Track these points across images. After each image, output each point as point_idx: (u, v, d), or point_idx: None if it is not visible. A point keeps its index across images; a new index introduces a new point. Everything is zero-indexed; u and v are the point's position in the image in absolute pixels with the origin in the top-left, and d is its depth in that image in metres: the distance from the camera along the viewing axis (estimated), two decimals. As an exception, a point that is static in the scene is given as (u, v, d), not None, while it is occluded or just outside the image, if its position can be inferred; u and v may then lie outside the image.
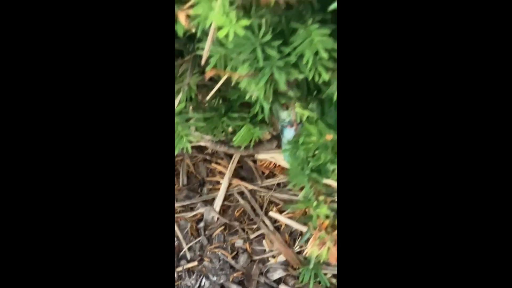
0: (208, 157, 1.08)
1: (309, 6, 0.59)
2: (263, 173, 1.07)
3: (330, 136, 0.61)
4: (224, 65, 0.60)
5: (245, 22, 0.47)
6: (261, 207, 1.02)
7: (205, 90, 0.73)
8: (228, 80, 0.65)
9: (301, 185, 0.61)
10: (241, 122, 0.75)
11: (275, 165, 1.05)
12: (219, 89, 0.75)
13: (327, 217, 0.59)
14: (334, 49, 0.58)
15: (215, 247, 0.99)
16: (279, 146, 0.98)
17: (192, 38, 0.64)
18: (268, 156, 1.05)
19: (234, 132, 0.78)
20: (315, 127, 0.62)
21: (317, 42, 0.58)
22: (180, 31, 0.56)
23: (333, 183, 0.63)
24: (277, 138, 0.95)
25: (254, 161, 1.07)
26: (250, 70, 0.58)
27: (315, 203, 0.59)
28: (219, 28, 0.48)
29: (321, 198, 0.61)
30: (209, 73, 0.55)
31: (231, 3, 0.49)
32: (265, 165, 1.07)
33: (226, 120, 0.72)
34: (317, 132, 0.62)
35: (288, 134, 0.77)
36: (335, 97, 0.65)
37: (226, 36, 0.47)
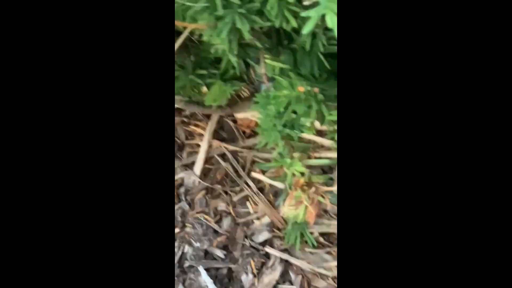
0: (186, 120, 1.04)
1: None
2: (244, 132, 1.02)
3: (302, 88, 0.57)
4: (182, 16, 0.55)
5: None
6: (244, 168, 0.98)
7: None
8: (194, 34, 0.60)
9: (274, 143, 0.57)
10: (211, 79, 0.70)
11: (256, 123, 1.01)
12: (188, 45, 0.70)
13: (302, 174, 0.55)
14: (301, -8, 0.53)
15: (198, 212, 0.95)
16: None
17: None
18: (249, 115, 1.00)
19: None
20: (286, 79, 0.58)
21: (281, -16, 0.53)
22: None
23: (308, 137, 0.59)
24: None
25: (234, 121, 1.03)
26: (210, 20, 0.53)
27: (289, 161, 0.55)
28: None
29: (296, 155, 0.56)
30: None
31: None
32: (246, 124, 1.02)
33: (194, 78, 0.68)
34: (288, 85, 0.57)
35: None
36: (307, 46, 0.61)
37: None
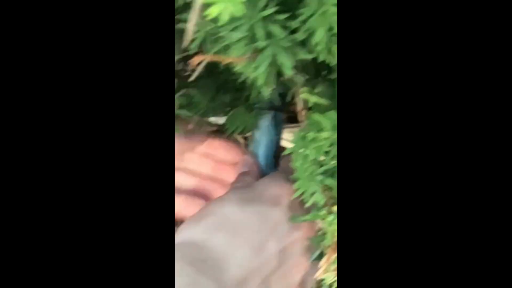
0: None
1: (321, -34, 0.45)
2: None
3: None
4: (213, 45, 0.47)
5: (244, -4, 0.34)
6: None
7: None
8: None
9: (311, 192, 0.49)
10: (233, 104, 0.62)
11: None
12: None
13: (344, 234, 0.47)
14: (355, 23, 0.45)
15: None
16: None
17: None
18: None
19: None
20: (328, 119, 0.50)
21: (331, 14, 0.45)
22: None
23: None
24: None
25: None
26: (247, 52, 0.45)
27: (329, 217, 0.48)
28: (208, 4, 0.35)
29: (335, 208, 0.49)
30: (197, 59, 0.43)
31: (223, -32, 0.36)
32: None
33: (214, 106, 0.60)
34: (331, 126, 0.50)
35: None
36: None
37: (219, 15, 0.34)
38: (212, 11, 0.34)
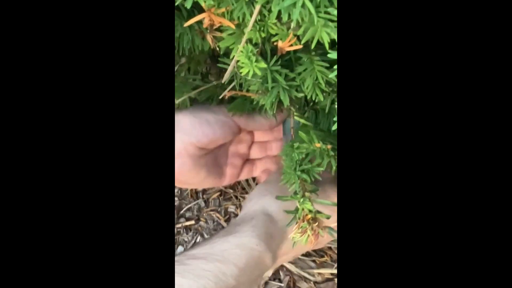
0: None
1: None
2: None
3: (319, 144, 0.75)
4: (239, 82, 0.73)
5: (263, 64, 0.60)
6: (253, 178, 1.17)
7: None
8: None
9: (292, 182, 0.75)
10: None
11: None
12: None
13: (310, 211, 0.73)
14: (331, 78, 0.71)
15: (211, 210, 1.14)
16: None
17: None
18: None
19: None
20: (307, 136, 0.76)
21: (317, 71, 0.71)
22: (206, 47, 0.70)
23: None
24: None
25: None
26: (260, 89, 0.71)
27: (302, 199, 0.74)
28: (241, 66, 0.61)
29: (307, 194, 0.75)
30: (228, 93, 0.68)
31: (254, 45, 0.62)
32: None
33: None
34: (308, 140, 0.76)
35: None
36: (327, 109, 0.79)
37: (247, 73, 0.60)
38: (243, 71, 0.60)
